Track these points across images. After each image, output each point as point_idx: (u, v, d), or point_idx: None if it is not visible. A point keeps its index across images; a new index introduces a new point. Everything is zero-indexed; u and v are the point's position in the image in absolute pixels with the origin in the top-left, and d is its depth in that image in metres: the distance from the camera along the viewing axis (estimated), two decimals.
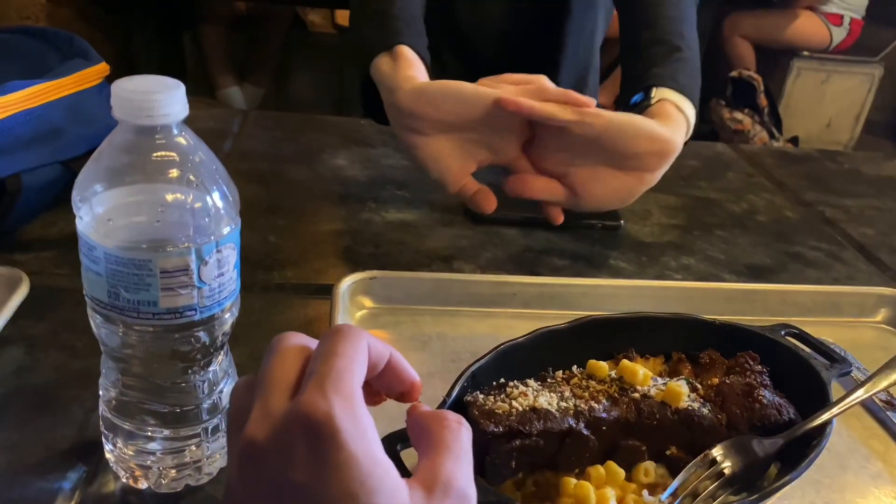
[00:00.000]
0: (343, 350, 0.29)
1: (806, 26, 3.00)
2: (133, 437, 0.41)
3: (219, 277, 0.37)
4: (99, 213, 0.35)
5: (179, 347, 0.38)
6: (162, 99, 0.33)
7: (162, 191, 0.35)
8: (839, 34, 3.01)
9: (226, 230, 0.37)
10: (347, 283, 0.59)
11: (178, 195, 0.35)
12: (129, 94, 0.33)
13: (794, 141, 2.98)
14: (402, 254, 0.70)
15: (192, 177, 0.35)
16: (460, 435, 0.30)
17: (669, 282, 0.69)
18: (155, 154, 0.35)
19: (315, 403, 0.27)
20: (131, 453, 0.42)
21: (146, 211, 0.35)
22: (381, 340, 0.32)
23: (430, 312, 0.61)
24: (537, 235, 0.76)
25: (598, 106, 0.72)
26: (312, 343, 0.31)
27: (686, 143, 0.66)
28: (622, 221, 0.79)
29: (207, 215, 0.36)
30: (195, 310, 0.37)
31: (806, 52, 3.08)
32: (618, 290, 0.64)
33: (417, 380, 0.34)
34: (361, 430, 0.27)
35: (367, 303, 0.61)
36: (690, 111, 0.66)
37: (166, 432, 0.41)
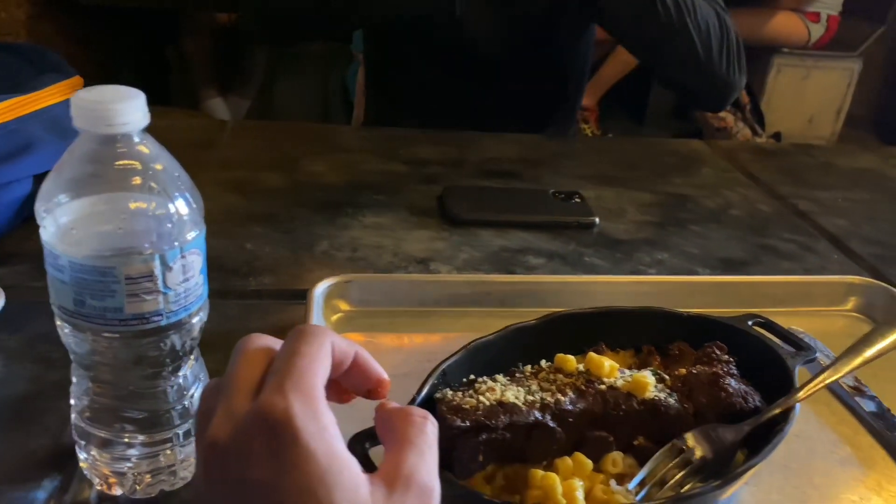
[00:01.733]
0: (305, 349, 0.30)
1: (784, 24, 3.03)
2: (107, 443, 0.41)
3: (184, 283, 0.38)
4: (62, 223, 0.35)
5: (147, 353, 0.38)
6: (121, 108, 0.34)
7: (124, 199, 0.36)
8: (817, 31, 3.04)
9: (190, 236, 0.37)
10: (322, 287, 0.60)
11: (141, 203, 0.36)
12: (89, 104, 0.34)
13: (777, 137, 3.01)
14: (380, 257, 0.71)
15: (153, 184, 0.36)
16: (425, 430, 0.31)
17: (642, 276, 0.70)
18: (116, 163, 0.35)
19: (273, 402, 0.27)
20: (106, 460, 0.42)
21: (109, 219, 0.36)
22: (347, 339, 0.33)
23: (406, 314, 0.62)
24: (513, 236, 0.77)
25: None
26: (278, 344, 0.32)
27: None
28: (597, 219, 0.80)
29: (170, 222, 0.36)
30: (162, 315, 0.37)
31: (786, 49, 3.11)
32: (591, 286, 0.64)
33: (385, 377, 0.34)
34: (321, 427, 0.28)
35: (343, 306, 0.61)
36: None
37: (140, 438, 0.41)
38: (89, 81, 0.70)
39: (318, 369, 0.29)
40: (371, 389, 0.33)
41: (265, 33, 1.03)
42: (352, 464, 0.28)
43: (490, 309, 0.63)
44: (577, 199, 0.83)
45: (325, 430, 0.28)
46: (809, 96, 3.24)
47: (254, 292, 0.64)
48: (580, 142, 1.13)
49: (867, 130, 3.52)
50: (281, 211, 0.78)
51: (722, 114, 2.89)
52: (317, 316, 0.57)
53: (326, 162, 0.91)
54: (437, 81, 1.07)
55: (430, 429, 0.31)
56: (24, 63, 0.76)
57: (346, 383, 0.34)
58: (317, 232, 0.74)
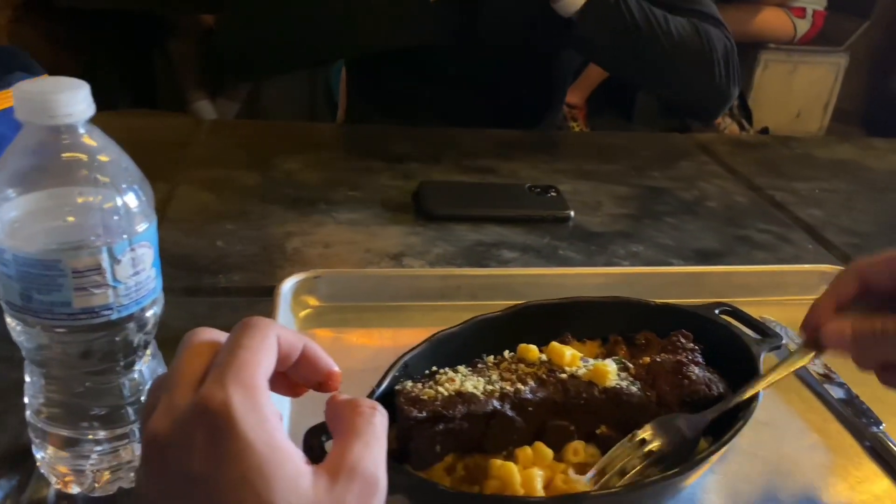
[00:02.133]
0: (247, 342, 0.30)
1: (770, 19, 3.05)
2: (63, 441, 0.41)
3: (135, 276, 0.37)
4: (6, 216, 0.35)
5: (99, 348, 0.38)
6: (64, 98, 0.34)
7: (70, 191, 0.35)
8: (803, 26, 3.05)
9: (140, 228, 0.37)
10: (290, 282, 0.59)
11: (86, 195, 0.35)
12: (31, 96, 0.34)
13: (765, 132, 3.01)
14: (352, 253, 0.70)
15: (99, 176, 0.35)
16: (372, 420, 0.31)
17: (614, 268, 0.69)
18: (61, 155, 0.35)
19: (213, 394, 0.27)
20: (64, 458, 0.42)
21: (55, 211, 0.35)
22: (295, 331, 0.33)
23: (376, 309, 0.61)
24: (488, 230, 0.76)
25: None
26: (224, 338, 0.31)
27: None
28: (572, 213, 0.79)
29: (118, 214, 0.36)
30: (112, 309, 0.37)
31: (772, 45, 3.12)
32: (563, 278, 0.64)
33: (335, 369, 0.34)
34: (261, 418, 0.27)
35: (312, 302, 0.61)
36: None
37: (100, 434, 0.41)
38: None
39: (260, 361, 0.29)
40: (321, 382, 0.33)
41: (239, 69, 1.02)
42: (294, 455, 0.28)
43: (462, 303, 0.63)
44: (553, 193, 0.82)
45: (266, 421, 0.27)
46: (796, 91, 3.25)
47: (223, 289, 0.63)
48: (558, 136, 1.13)
49: (855, 125, 3.53)
50: (254, 209, 0.78)
51: None
52: (284, 312, 0.57)
53: (301, 160, 0.91)
54: (418, 86, 1.07)
55: (378, 419, 0.30)
56: None
57: (296, 376, 0.33)
58: (289, 229, 0.74)
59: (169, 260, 0.67)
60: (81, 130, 0.35)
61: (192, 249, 0.69)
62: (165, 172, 0.84)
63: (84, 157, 0.35)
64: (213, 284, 0.64)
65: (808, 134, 3.26)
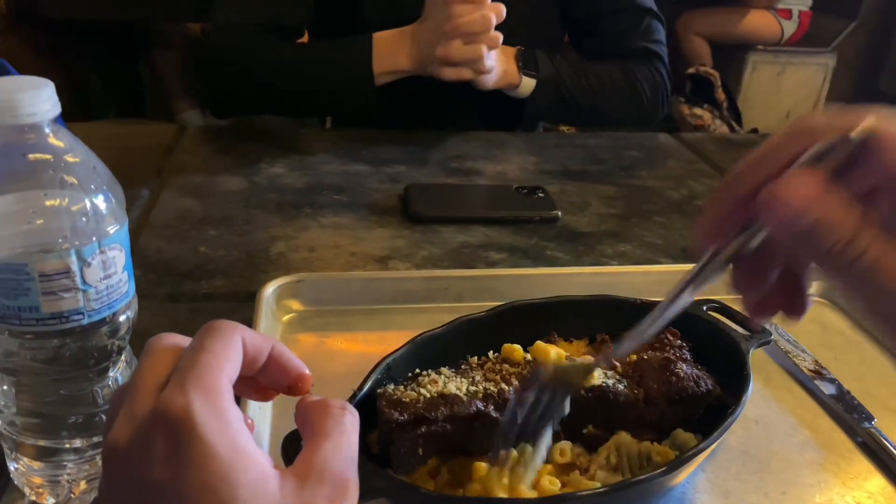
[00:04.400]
0: (209, 345, 0.29)
1: (757, 21, 3.06)
2: (37, 451, 0.40)
3: (105, 279, 0.36)
4: None
5: (70, 354, 0.37)
6: (26, 97, 0.33)
7: (36, 193, 0.34)
8: (790, 27, 3.07)
9: (110, 230, 0.36)
10: (273, 287, 0.58)
11: (53, 196, 0.34)
12: None
13: (755, 133, 3.02)
14: (337, 257, 0.69)
15: (66, 177, 0.35)
16: (342, 421, 0.30)
17: (603, 267, 0.69)
18: (27, 156, 0.34)
19: (173, 399, 0.26)
20: (38, 468, 0.41)
21: (20, 214, 0.34)
22: (262, 334, 0.32)
23: (360, 312, 0.60)
24: (475, 232, 0.76)
25: None
26: (188, 342, 0.30)
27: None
28: (559, 213, 0.79)
29: (85, 215, 0.35)
30: (82, 314, 0.36)
31: (760, 46, 3.13)
32: (550, 278, 0.63)
33: (305, 371, 0.33)
34: (223, 423, 0.26)
35: (295, 306, 0.60)
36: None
37: (76, 443, 0.40)
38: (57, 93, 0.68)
39: (222, 365, 0.28)
40: (291, 385, 0.32)
41: (227, 109, 1.04)
42: (259, 459, 0.27)
43: (448, 305, 0.62)
44: (541, 194, 0.82)
45: (229, 425, 0.26)
46: (785, 92, 3.26)
47: (205, 295, 0.62)
48: (545, 137, 1.12)
49: None
50: (237, 213, 0.77)
51: (699, 111, 2.91)
52: (267, 316, 0.56)
53: (286, 164, 0.90)
54: (403, 93, 1.07)
55: (347, 419, 0.30)
56: None
57: (265, 380, 0.32)
58: (273, 233, 0.73)
59: (151, 266, 0.66)
60: (47, 130, 0.34)
61: (174, 255, 0.68)
62: (148, 178, 0.83)
63: (50, 157, 0.34)
64: (195, 290, 0.63)
65: None
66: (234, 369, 0.29)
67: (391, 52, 0.92)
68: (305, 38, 1.25)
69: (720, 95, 2.90)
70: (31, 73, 0.79)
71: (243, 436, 0.26)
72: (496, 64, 0.91)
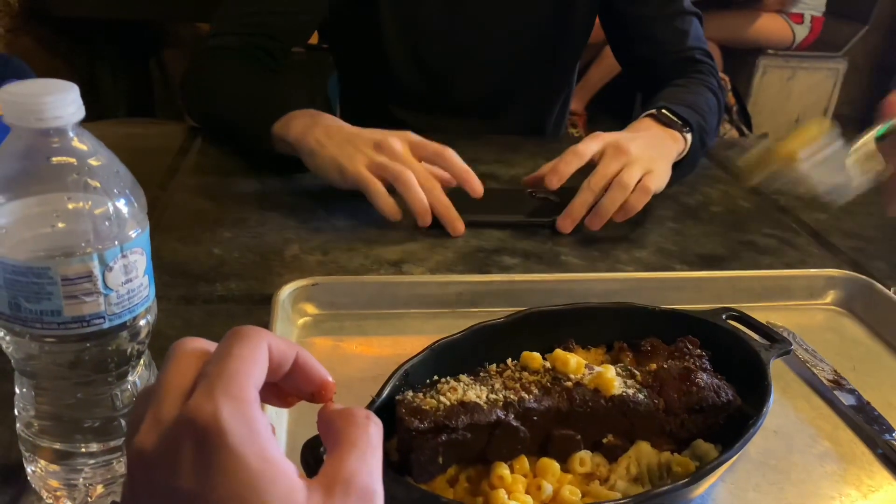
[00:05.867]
0: (237, 351, 0.28)
1: (769, 25, 3.05)
2: (55, 454, 0.40)
3: (127, 283, 0.36)
4: None
5: (91, 358, 0.37)
6: (52, 101, 0.33)
7: (59, 196, 0.34)
8: (801, 32, 3.05)
9: (132, 234, 0.36)
10: (288, 290, 0.58)
11: (77, 200, 0.34)
12: (18, 98, 0.33)
13: (765, 138, 3.01)
14: (351, 260, 0.69)
15: (90, 180, 0.34)
16: (367, 430, 0.30)
17: (618, 273, 0.68)
18: (51, 159, 0.34)
19: (201, 406, 0.26)
20: (56, 471, 0.40)
21: (44, 217, 0.34)
22: (287, 340, 0.32)
23: (375, 316, 0.60)
24: (488, 236, 0.75)
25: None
26: (213, 347, 0.30)
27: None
28: None
29: (109, 219, 0.35)
30: (103, 318, 0.36)
31: (770, 51, 3.12)
32: (565, 284, 0.63)
33: (329, 379, 0.33)
34: (252, 431, 0.26)
35: (311, 309, 0.60)
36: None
37: (92, 447, 0.40)
38: None
39: (251, 371, 0.28)
40: (314, 392, 0.32)
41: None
42: (287, 469, 0.27)
43: (462, 310, 0.62)
44: (555, 198, 0.81)
45: (257, 434, 0.26)
46: (795, 97, 3.25)
47: (220, 297, 0.62)
48: (558, 142, 1.12)
49: (855, 129, 3.53)
50: (251, 215, 0.77)
51: None
52: (283, 320, 0.56)
53: (299, 165, 0.89)
54: (416, 114, 1.08)
55: (372, 429, 0.29)
56: None
57: (288, 386, 0.32)
58: (287, 236, 0.73)
59: (165, 268, 0.66)
60: (71, 134, 0.34)
61: (189, 257, 0.68)
62: (161, 179, 0.83)
63: (74, 161, 0.34)
64: (210, 292, 0.63)
65: None
66: (262, 376, 0.28)
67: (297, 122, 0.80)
68: (315, 39, 1.25)
69: (730, 100, 2.89)
70: (43, 72, 0.80)
71: (271, 444, 0.26)
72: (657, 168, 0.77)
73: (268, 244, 0.71)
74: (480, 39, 1.04)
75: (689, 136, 0.85)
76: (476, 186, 0.75)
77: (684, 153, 0.84)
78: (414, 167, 0.73)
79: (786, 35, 3.06)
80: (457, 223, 0.74)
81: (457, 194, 0.83)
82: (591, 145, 0.76)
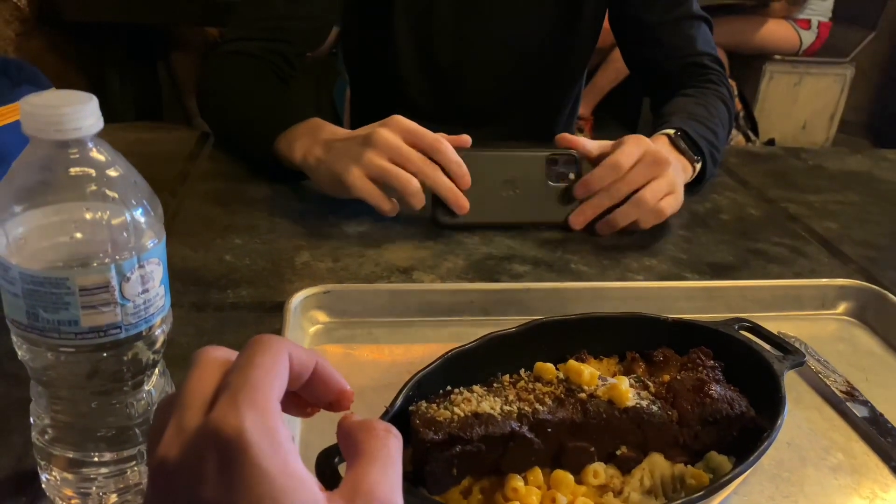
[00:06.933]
0: (260, 361, 0.28)
1: (775, 31, 3.04)
2: (70, 463, 0.40)
3: (143, 294, 0.36)
4: (12, 232, 0.34)
5: (107, 367, 0.37)
6: (71, 112, 0.33)
7: (77, 207, 0.34)
8: (808, 37, 3.05)
9: (149, 245, 0.36)
10: (299, 298, 0.58)
11: (94, 211, 0.34)
12: (38, 109, 0.33)
13: (771, 143, 3.01)
14: (361, 267, 0.69)
15: (108, 191, 0.35)
16: (388, 443, 0.30)
17: (629, 282, 0.68)
18: (69, 170, 0.34)
19: (225, 418, 0.26)
20: (70, 480, 0.41)
21: (62, 228, 0.34)
22: (307, 349, 0.32)
23: (386, 324, 0.60)
24: (499, 243, 0.75)
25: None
26: (234, 356, 0.30)
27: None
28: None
29: (126, 230, 0.35)
30: (120, 328, 0.36)
31: (777, 56, 3.11)
32: (577, 292, 0.63)
33: (347, 388, 0.33)
34: (275, 443, 0.26)
35: (322, 317, 0.60)
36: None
37: (106, 456, 0.40)
38: None
39: (273, 382, 0.28)
40: (333, 401, 0.32)
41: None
42: (308, 482, 0.27)
43: (473, 318, 0.62)
44: (572, 176, 0.80)
45: (280, 446, 0.26)
46: (802, 103, 3.24)
47: (231, 305, 0.62)
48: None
49: (862, 136, 3.52)
50: (262, 221, 0.77)
51: None
52: (294, 328, 0.56)
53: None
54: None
55: (392, 442, 0.29)
56: (0, 76, 0.75)
57: (307, 395, 0.32)
58: (297, 242, 0.73)
59: (176, 275, 0.66)
60: (90, 144, 0.34)
61: (200, 264, 0.68)
62: (170, 186, 0.83)
63: (92, 171, 0.35)
64: (222, 300, 0.63)
65: (814, 145, 3.24)
66: (283, 386, 0.29)
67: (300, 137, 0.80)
68: (334, 36, 1.25)
69: (737, 105, 2.89)
70: (52, 75, 0.80)
71: (293, 457, 0.26)
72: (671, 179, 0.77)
73: (278, 251, 0.71)
74: (490, 46, 1.04)
75: (697, 167, 0.86)
76: (464, 184, 0.74)
77: (688, 180, 0.86)
78: (409, 157, 0.72)
79: (793, 41, 3.06)
80: (461, 201, 0.74)
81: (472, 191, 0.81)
82: (633, 154, 0.75)
